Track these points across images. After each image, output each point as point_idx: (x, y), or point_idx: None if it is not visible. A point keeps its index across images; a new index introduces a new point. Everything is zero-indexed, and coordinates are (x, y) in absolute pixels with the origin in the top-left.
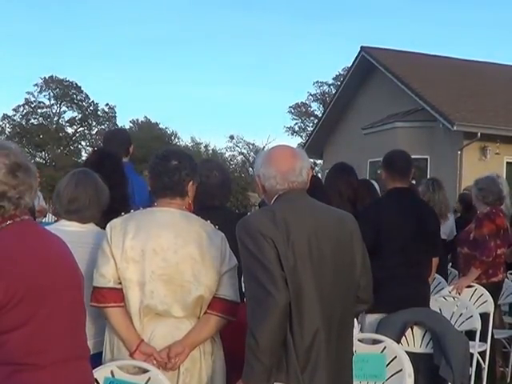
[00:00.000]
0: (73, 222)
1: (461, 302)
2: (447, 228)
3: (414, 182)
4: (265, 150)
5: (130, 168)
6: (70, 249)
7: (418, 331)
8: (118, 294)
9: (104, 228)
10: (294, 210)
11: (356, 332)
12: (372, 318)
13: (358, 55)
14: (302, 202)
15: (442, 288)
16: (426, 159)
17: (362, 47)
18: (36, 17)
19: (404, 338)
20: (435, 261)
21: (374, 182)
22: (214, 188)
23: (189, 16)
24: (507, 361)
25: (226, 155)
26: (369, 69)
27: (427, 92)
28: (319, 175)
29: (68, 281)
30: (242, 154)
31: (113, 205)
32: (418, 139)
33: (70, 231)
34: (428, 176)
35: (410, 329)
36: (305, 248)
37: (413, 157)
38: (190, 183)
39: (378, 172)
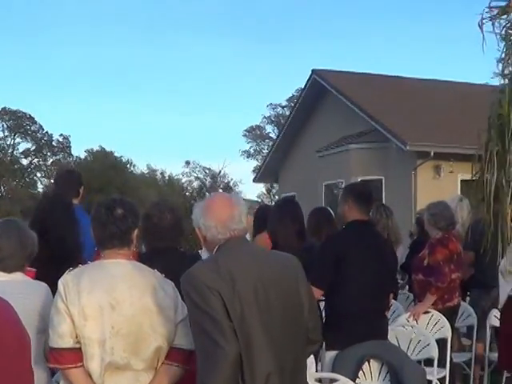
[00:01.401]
0: None
1: (417, 330)
2: (399, 254)
3: None
4: (202, 201)
5: (80, 210)
6: (16, 314)
7: (374, 364)
8: (77, 355)
9: (56, 278)
10: (238, 258)
11: (313, 370)
12: (332, 354)
13: (309, 78)
14: (245, 249)
15: (399, 315)
16: (381, 180)
17: (313, 70)
18: None
19: (361, 371)
20: (390, 295)
21: (329, 209)
22: (165, 230)
23: (139, 42)
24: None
25: (183, 181)
26: (321, 91)
27: (379, 113)
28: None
29: (13, 349)
30: (199, 178)
31: (65, 252)
32: (371, 160)
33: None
34: (383, 196)
35: (366, 362)
36: (251, 296)
37: (367, 178)
38: (135, 231)
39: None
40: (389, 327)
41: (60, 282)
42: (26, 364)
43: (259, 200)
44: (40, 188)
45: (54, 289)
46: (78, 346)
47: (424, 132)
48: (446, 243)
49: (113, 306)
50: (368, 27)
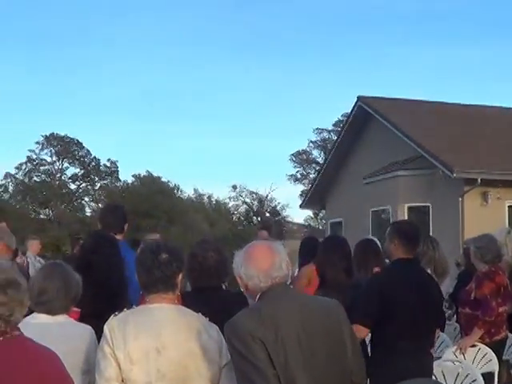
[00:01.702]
0: (42, 314)
1: (464, 365)
2: (446, 285)
3: None
4: (242, 250)
5: (124, 246)
6: (61, 361)
7: None
8: None
9: (102, 315)
10: (280, 305)
11: None
12: None
13: (354, 105)
14: (287, 296)
15: (446, 346)
16: (428, 207)
17: (358, 97)
18: (34, 74)
19: None
20: (437, 331)
21: (375, 239)
22: (210, 269)
23: (186, 68)
24: None
25: (230, 205)
26: (366, 118)
27: (425, 139)
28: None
29: None
30: (246, 203)
31: (112, 288)
32: (418, 187)
33: (39, 324)
34: (430, 223)
35: None
36: (294, 343)
37: (414, 204)
38: (180, 275)
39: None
40: (435, 362)
41: (106, 327)
42: None
43: (306, 224)
44: (88, 212)
45: (99, 328)
46: None
47: (471, 158)
48: (493, 277)
49: (158, 351)
50: (413, 53)
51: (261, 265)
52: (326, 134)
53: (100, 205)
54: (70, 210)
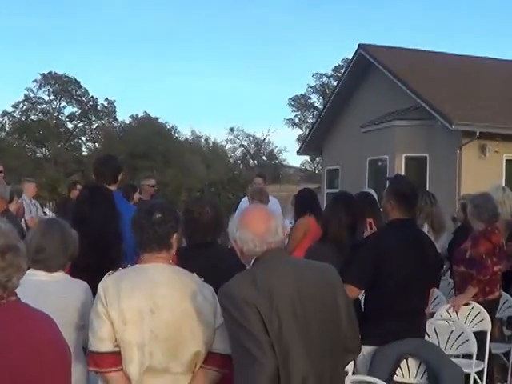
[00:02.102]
0: (40, 271)
1: (457, 324)
2: (442, 242)
3: None
4: (237, 213)
5: (119, 197)
6: (58, 328)
7: (412, 363)
8: (117, 358)
9: (108, 267)
10: (275, 271)
11: (350, 372)
12: (368, 350)
13: (355, 52)
14: (282, 261)
15: (439, 303)
16: (425, 157)
17: (359, 45)
18: (34, 13)
19: (399, 369)
20: (432, 290)
21: (372, 192)
22: (206, 225)
23: (185, 8)
24: (505, 374)
25: (227, 147)
26: (367, 66)
27: (425, 90)
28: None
29: (57, 368)
30: (243, 146)
31: (107, 241)
32: (416, 138)
33: (37, 281)
34: (427, 174)
35: (404, 360)
36: (289, 309)
37: (411, 155)
38: (175, 235)
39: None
40: (429, 320)
41: (100, 286)
42: (68, 382)
43: (303, 168)
44: (85, 151)
45: (94, 281)
46: (117, 349)
47: (470, 111)
48: (489, 236)
49: (152, 311)
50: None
51: (256, 229)
52: (325, 79)
53: (97, 144)
54: (66, 149)
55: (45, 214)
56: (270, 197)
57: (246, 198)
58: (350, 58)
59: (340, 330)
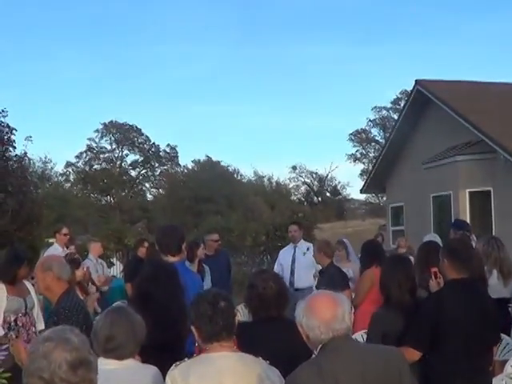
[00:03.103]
0: (111, 360)
1: None
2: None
3: (474, 237)
4: (304, 299)
5: (182, 267)
6: None
7: None
8: None
9: (174, 343)
10: (340, 358)
11: None
12: None
13: (413, 88)
14: (348, 348)
15: (510, 350)
16: (489, 191)
17: (416, 80)
18: (92, 63)
19: None
20: (495, 348)
21: (437, 238)
22: (270, 299)
23: (242, 46)
24: None
25: (290, 186)
26: (424, 101)
27: (485, 123)
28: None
29: None
30: (306, 183)
31: (171, 316)
32: (479, 172)
33: (107, 370)
34: (492, 208)
35: None
36: None
37: (475, 190)
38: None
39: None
40: (499, 376)
41: (168, 378)
42: None
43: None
44: (149, 197)
45: (161, 359)
46: None
47: None
48: None
49: None
50: (474, 30)
51: (323, 316)
52: (384, 113)
53: (161, 190)
54: (131, 196)
55: (112, 264)
56: (310, 245)
57: (288, 247)
58: (408, 90)
59: None
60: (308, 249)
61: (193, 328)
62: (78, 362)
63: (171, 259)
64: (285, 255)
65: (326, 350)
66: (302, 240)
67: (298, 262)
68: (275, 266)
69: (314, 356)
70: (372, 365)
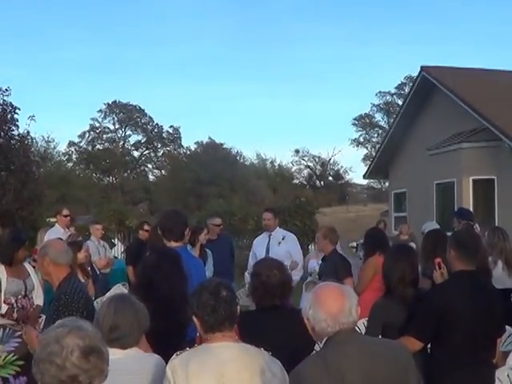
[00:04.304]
0: (115, 349)
1: None
2: None
3: (477, 227)
4: (312, 291)
5: (185, 253)
6: None
7: None
8: None
9: (175, 330)
10: (347, 353)
11: None
12: None
13: (418, 74)
14: (353, 342)
15: None
16: (493, 180)
17: (422, 67)
18: (96, 43)
19: None
20: (499, 340)
21: (437, 226)
22: (274, 287)
23: (246, 31)
24: None
25: (293, 169)
26: (430, 88)
27: (491, 111)
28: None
29: None
30: (309, 167)
31: (173, 304)
32: (483, 160)
33: (112, 360)
34: (496, 196)
35: None
36: None
37: (479, 177)
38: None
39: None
40: (503, 367)
41: (168, 368)
42: None
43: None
44: (151, 178)
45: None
46: None
47: None
48: None
49: None
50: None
51: (329, 309)
52: (388, 98)
53: (163, 171)
54: (133, 177)
55: (114, 244)
56: (287, 233)
57: (263, 235)
58: (413, 76)
59: None
60: (283, 238)
61: (194, 318)
62: (89, 348)
63: (173, 244)
64: (258, 244)
65: (332, 343)
66: (278, 228)
67: (271, 253)
68: (250, 256)
69: (318, 349)
70: (378, 360)
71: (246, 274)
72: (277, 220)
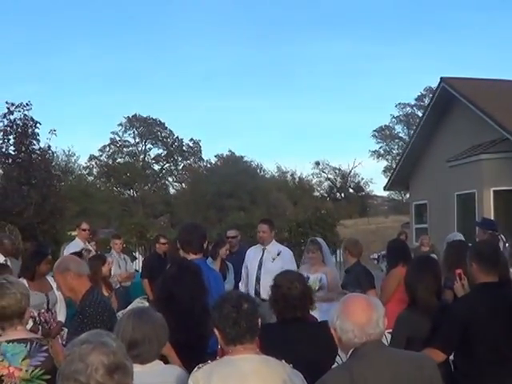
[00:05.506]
0: (135, 363)
1: None
2: None
3: (502, 237)
4: (339, 302)
5: (204, 265)
6: None
7: None
8: None
9: (197, 343)
10: (372, 364)
11: None
12: None
13: (438, 86)
14: (380, 354)
15: None
16: None
17: (441, 78)
18: (116, 57)
19: None
20: None
21: (461, 237)
22: (295, 299)
23: (267, 44)
24: None
25: (313, 182)
26: (450, 99)
27: (510, 121)
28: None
29: None
30: (329, 179)
31: (194, 317)
32: (504, 170)
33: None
34: None
35: None
36: None
37: (499, 188)
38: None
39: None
40: None
41: (190, 380)
42: None
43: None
44: (172, 192)
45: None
46: None
47: None
48: None
49: None
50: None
51: (357, 319)
52: (408, 109)
53: (183, 184)
54: (154, 190)
55: (135, 258)
56: (284, 248)
57: (257, 247)
58: (433, 87)
59: None
60: (279, 253)
61: (216, 330)
62: (114, 366)
63: (192, 257)
64: (251, 257)
65: (358, 354)
66: (274, 241)
67: (264, 268)
68: (242, 268)
69: (341, 362)
70: (404, 372)
71: (240, 284)
72: (273, 233)
